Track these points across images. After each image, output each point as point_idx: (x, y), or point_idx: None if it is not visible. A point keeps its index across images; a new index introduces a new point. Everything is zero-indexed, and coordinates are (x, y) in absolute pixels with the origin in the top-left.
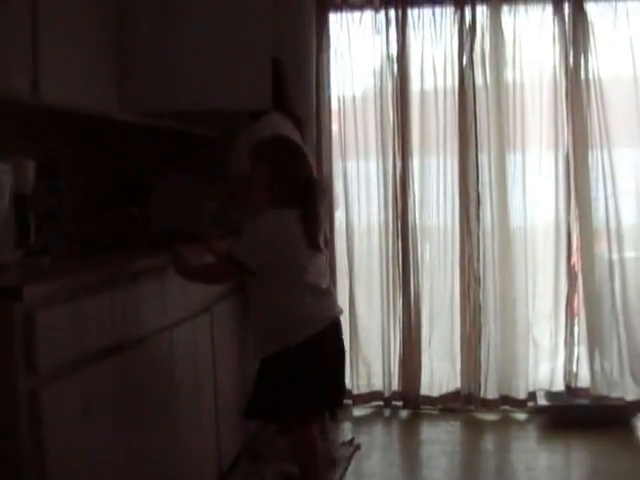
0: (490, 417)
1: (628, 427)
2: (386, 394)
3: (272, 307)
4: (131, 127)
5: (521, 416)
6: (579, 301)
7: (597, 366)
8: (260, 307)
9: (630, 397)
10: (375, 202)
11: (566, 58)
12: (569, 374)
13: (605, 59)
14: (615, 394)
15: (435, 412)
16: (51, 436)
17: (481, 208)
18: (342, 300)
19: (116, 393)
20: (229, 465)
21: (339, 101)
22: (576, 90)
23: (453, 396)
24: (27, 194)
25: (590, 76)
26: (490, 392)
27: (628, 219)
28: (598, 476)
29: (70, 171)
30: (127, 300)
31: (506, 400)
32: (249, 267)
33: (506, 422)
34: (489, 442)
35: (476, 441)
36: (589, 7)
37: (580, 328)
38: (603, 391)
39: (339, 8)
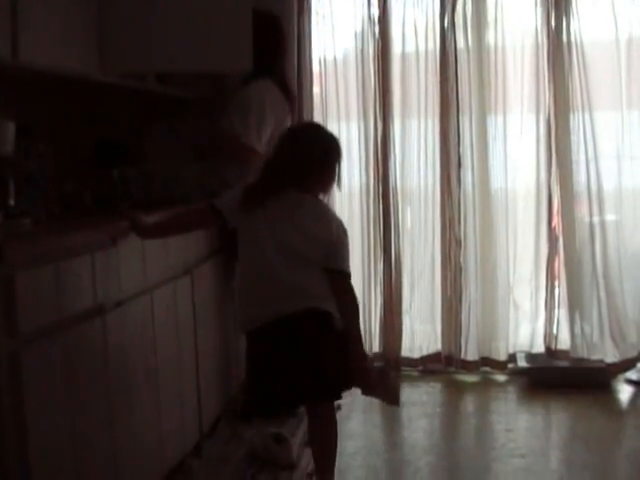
0: (470, 379)
1: (607, 389)
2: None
3: None
4: (112, 90)
5: (501, 378)
6: (560, 264)
7: (577, 328)
8: None
9: (610, 359)
10: (356, 165)
11: (548, 20)
12: (549, 336)
13: (587, 22)
14: (595, 356)
15: (416, 374)
16: (32, 399)
17: (462, 171)
18: None
19: (97, 355)
20: (210, 426)
21: (320, 63)
22: (558, 53)
23: (434, 358)
24: (7, 156)
25: (572, 39)
26: (470, 354)
27: (609, 182)
28: (577, 438)
29: (50, 134)
30: (107, 263)
31: (486, 362)
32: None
33: (486, 384)
34: (469, 403)
35: (456, 402)
36: None
37: (560, 291)
38: (583, 353)
39: None
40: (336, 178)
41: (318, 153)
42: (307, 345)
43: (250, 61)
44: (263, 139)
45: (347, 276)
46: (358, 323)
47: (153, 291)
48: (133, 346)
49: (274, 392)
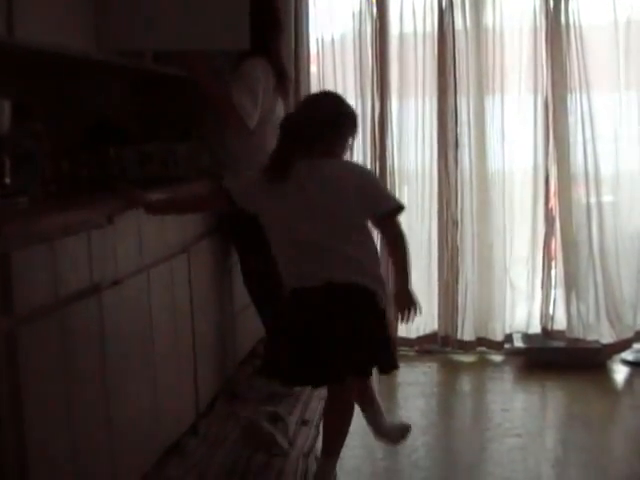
0: (467, 359)
1: (603, 369)
2: None
3: None
4: (110, 69)
5: (497, 358)
6: (556, 245)
7: (573, 309)
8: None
9: (605, 340)
10: (354, 145)
11: (546, 2)
12: (545, 317)
13: (586, 4)
14: (591, 337)
15: (412, 354)
16: (28, 378)
17: (459, 151)
18: None
19: (93, 334)
20: (207, 406)
21: (318, 43)
22: (556, 34)
23: (430, 338)
24: (3, 135)
25: (570, 20)
26: (467, 334)
27: (606, 164)
28: (573, 417)
29: (47, 113)
30: (104, 241)
31: (483, 342)
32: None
33: (482, 364)
34: (465, 383)
35: (453, 382)
36: None
37: (557, 271)
38: (579, 334)
39: None
40: (347, 146)
41: (328, 115)
42: (349, 322)
43: (247, 39)
44: (255, 112)
45: (391, 215)
46: (409, 267)
47: (150, 270)
48: (129, 325)
49: (303, 361)
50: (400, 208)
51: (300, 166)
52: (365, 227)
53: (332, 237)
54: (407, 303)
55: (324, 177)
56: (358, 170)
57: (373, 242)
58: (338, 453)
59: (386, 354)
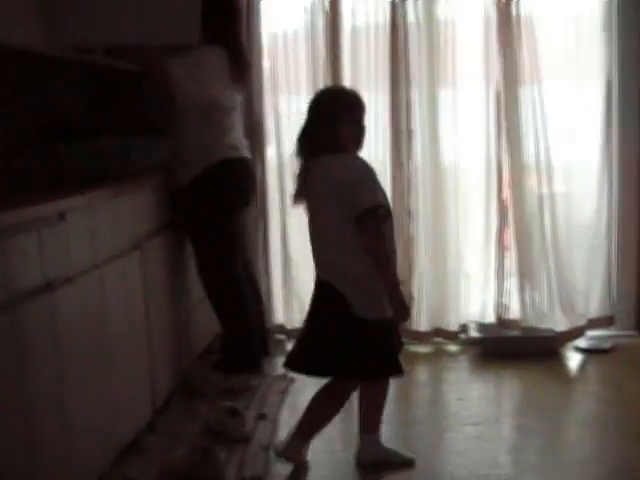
0: (422, 349)
1: (557, 357)
2: None
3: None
4: (61, 65)
5: (453, 348)
6: (510, 235)
7: (527, 298)
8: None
9: (559, 328)
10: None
11: None
12: (500, 306)
13: None
14: (545, 325)
15: None
16: None
17: (412, 143)
18: (274, 236)
19: (46, 333)
20: (163, 402)
21: (270, 37)
22: (507, 26)
23: None
24: None
25: (521, 12)
26: (422, 325)
27: (558, 154)
28: (528, 404)
29: None
30: (55, 238)
31: (438, 332)
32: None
33: (438, 354)
34: (422, 374)
35: (409, 373)
36: None
37: (511, 261)
38: (533, 323)
39: None
40: (353, 134)
41: (321, 110)
42: (317, 320)
43: (197, 34)
44: (189, 89)
45: (363, 216)
46: (387, 268)
47: (103, 266)
48: (84, 322)
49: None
50: (374, 209)
51: (311, 166)
52: (346, 227)
53: (319, 235)
54: (396, 308)
55: (315, 176)
56: (344, 169)
57: (356, 242)
58: (376, 426)
59: (352, 362)
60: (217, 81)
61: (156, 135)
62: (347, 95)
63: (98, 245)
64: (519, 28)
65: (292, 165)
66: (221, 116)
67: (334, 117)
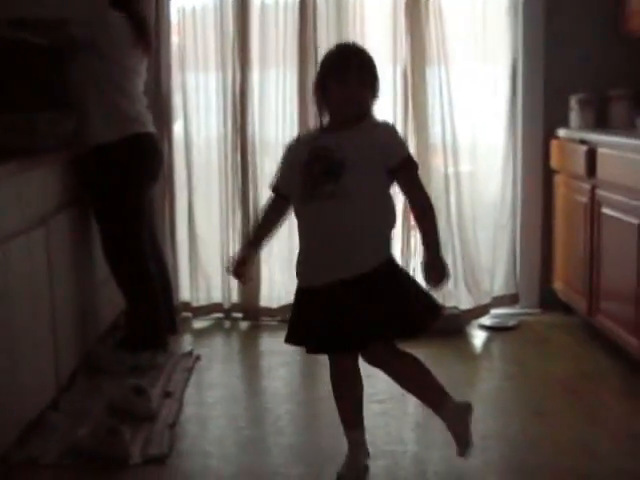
0: None
1: (462, 335)
2: (226, 306)
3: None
4: None
5: None
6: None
7: None
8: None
9: (464, 306)
10: (214, 115)
11: None
12: None
13: None
14: (450, 304)
15: (274, 323)
16: None
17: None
18: (181, 214)
19: None
20: (68, 379)
21: (179, 12)
22: (415, 6)
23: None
24: None
25: None
26: None
27: (464, 134)
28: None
29: None
30: None
31: None
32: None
33: None
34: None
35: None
36: None
37: (416, 240)
38: (438, 301)
39: None
40: (335, 81)
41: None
42: None
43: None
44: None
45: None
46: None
47: (8, 242)
48: None
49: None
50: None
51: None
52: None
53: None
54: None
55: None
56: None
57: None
58: (442, 403)
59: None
60: (121, 47)
61: (63, 110)
62: (329, 53)
63: (2, 221)
64: (427, 8)
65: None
66: (127, 83)
67: (320, 81)
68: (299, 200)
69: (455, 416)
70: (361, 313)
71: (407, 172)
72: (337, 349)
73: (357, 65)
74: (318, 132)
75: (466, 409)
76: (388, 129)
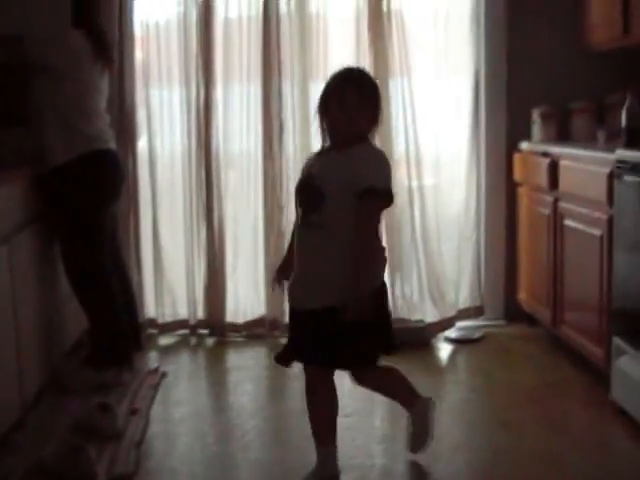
0: None
1: (428, 348)
2: (191, 322)
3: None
4: None
5: None
6: (380, 227)
7: (398, 290)
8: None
9: (429, 319)
10: (178, 131)
11: None
12: None
13: None
14: (415, 317)
15: (241, 339)
16: None
17: (284, 136)
18: (145, 229)
19: None
20: (33, 398)
21: (142, 27)
22: (378, 21)
23: (258, 322)
24: None
25: (392, 7)
26: None
27: (427, 147)
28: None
29: None
30: None
31: None
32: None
33: None
34: (294, 366)
35: (281, 366)
36: None
37: None
38: (404, 314)
39: None
40: (331, 119)
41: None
42: None
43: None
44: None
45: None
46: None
47: None
48: None
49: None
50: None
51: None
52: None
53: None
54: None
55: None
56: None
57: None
58: (412, 404)
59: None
60: (79, 65)
61: (24, 127)
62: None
63: None
64: (390, 22)
65: (163, 157)
66: (86, 101)
67: (321, 104)
68: (296, 223)
69: (423, 409)
70: (345, 344)
71: (367, 201)
72: (321, 364)
73: (356, 87)
74: (317, 154)
75: (431, 403)
76: (372, 157)
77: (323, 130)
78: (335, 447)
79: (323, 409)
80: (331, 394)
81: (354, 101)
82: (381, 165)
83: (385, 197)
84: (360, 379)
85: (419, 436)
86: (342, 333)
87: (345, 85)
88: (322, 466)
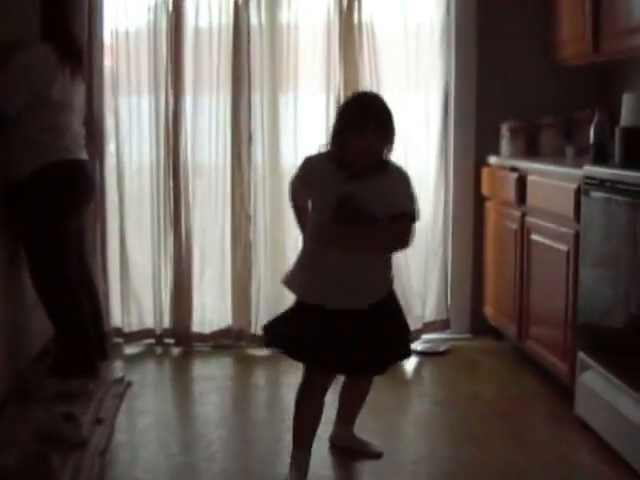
0: (260, 353)
1: None
2: (157, 332)
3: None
4: None
5: None
6: None
7: None
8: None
9: None
10: (147, 140)
11: (340, 1)
12: None
13: (378, 5)
14: None
15: (207, 349)
16: None
17: (252, 147)
18: (112, 238)
19: None
20: None
21: (112, 36)
22: (349, 34)
23: (224, 333)
24: None
25: (363, 20)
26: (261, 329)
27: (395, 160)
28: (365, 406)
29: None
30: None
31: None
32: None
33: (275, 357)
34: (259, 377)
35: (247, 376)
36: None
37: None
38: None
39: None
40: (351, 147)
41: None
42: None
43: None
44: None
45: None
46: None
47: None
48: None
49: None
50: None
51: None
52: None
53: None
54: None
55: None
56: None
57: None
58: (352, 422)
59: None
60: (44, 85)
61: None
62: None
63: None
64: (360, 34)
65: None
66: (55, 118)
67: (336, 128)
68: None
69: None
70: (371, 346)
71: (402, 224)
72: (337, 369)
73: (375, 119)
74: (340, 174)
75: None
76: (404, 181)
77: (336, 152)
78: (309, 454)
79: (310, 415)
80: (321, 403)
81: (374, 133)
82: (411, 189)
83: (413, 220)
84: (356, 386)
85: (367, 444)
86: (370, 337)
87: (364, 119)
88: (294, 473)
